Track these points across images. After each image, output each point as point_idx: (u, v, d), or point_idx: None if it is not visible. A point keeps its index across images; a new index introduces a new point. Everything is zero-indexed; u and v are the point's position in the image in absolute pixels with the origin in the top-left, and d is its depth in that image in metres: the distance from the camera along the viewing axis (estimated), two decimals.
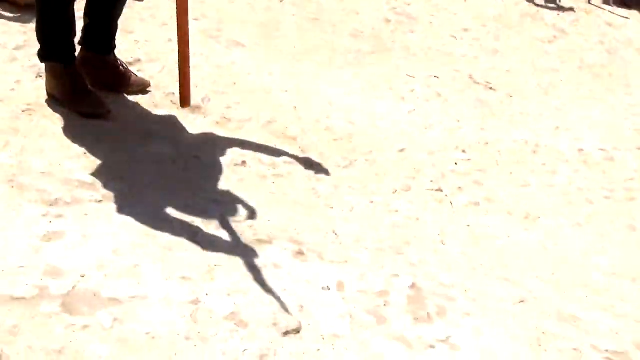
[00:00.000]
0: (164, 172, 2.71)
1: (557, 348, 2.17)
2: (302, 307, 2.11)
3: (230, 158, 2.89)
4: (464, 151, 3.47)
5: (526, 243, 2.87)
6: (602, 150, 3.80)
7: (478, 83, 4.30)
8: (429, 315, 2.20)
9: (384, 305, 2.21)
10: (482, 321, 2.23)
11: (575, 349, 2.18)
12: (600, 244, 2.98)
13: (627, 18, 6.20)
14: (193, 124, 3.08)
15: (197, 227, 2.39)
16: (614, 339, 2.29)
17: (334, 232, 2.60)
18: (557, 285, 2.61)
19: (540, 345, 2.16)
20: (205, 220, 2.44)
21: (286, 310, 2.08)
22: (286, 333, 1.99)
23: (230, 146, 2.98)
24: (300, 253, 2.38)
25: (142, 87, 3.16)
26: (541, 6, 5.82)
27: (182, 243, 2.29)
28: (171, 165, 2.77)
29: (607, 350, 2.20)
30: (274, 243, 2.40)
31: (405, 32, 4.74)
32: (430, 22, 5.01)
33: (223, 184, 2.73)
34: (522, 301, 2.42)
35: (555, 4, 5.93)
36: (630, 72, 5.08)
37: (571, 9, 5.97)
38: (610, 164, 3.71)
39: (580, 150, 3.74)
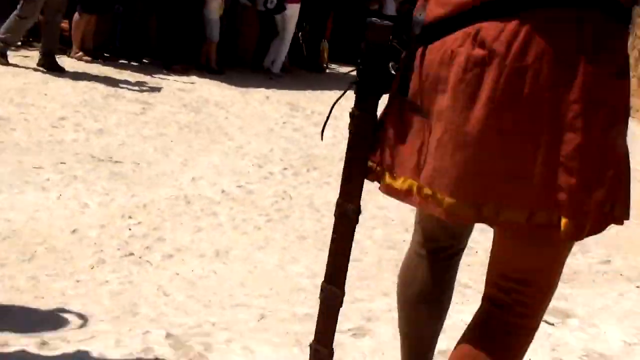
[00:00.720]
0: None
1: None
2: None
3: None
4: (130, 217, 3.54)
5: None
6: (238, 186, 4.23)
7: (102, 160, 4.37)
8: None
9: None
10: None
11: None
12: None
13: (193, 83, 6.91)
14: None
15: None
16: None
17: None
18: None
19: None
20: None
21: None
22: None
23: None
24: None
25: None
26: (121, 86, 6.16)
27: None
28: None
29: None
30: None
31: (8, 132, 4.57)
32: (26, 119, 4.91)
33: None
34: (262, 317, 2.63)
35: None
36: (219, 122, 5.70)
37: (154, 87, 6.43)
38: (249, 195, 4.14)
39: (223, 191, 4.11)
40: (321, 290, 1.51)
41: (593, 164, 1.23)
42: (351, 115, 1.39)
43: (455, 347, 1.40)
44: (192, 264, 3.13)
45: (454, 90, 1.25)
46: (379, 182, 1.40)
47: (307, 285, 2.98)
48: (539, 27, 1.21)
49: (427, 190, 1.29)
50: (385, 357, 2.22)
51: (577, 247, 3.56)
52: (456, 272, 1.68)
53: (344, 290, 1.49)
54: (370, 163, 1.40)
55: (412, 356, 1.70)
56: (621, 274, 3.32)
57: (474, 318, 1.41)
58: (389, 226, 3.62)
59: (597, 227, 1.28)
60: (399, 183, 1.35)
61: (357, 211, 1.43)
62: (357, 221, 1.45)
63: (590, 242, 3.70)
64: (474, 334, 1.38)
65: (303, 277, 3.10)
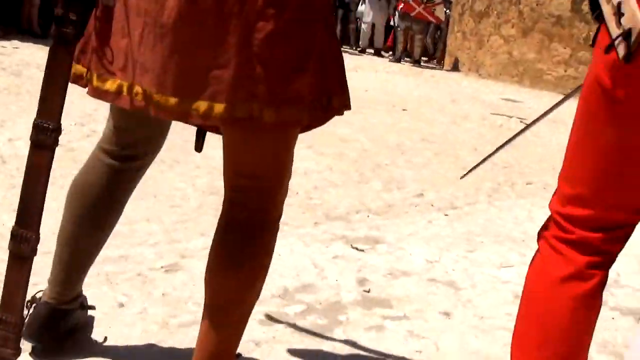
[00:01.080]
0: None
1: None
2: None
3: None
4: None
5: None
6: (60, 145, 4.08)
7: None
8: None
9: None
10: None
11: None
12: None
13: (16, 48, 6.56)
14: None
15: None
16: None
17: None
18: None
19: None
20: None
21: None
22: None
23: None
24: None
25: None
26: None
27: None
28: None
29: None
30: None
31: None
32: None
33: None
34: None
35: None
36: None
37: None
38: (69, 153, 4.02)
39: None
40: (12, 235, 1.31)
41: (287, 53, 1.24)
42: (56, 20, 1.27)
43: (209, 255, 1.43)
44: (2, 218, 3.02)
45: None
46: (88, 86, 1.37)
47: None
48: None
49: (138, 89, 1.28)
50: (197, 287, 2.27)
51: (393, 183, 3.81)
52: (136, 185, 1.69)
53: (38, 234, 1.31)
54: (80, 68, 1.37)
55: (72, 266, 1.69)
56: (432, 205, 3.55)
57: (219, 220, 1.43)
58: (212, 175, 3.65)
59: (318, 119, 1.33)
60: (109, 84, 1.33)
61: (57, 130, 1.31)
62: (56, 143, 1.33)
63: (406, 178, 3.98)
64: (221, 236, 1.40)
65: None
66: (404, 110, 6.23)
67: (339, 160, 4.13)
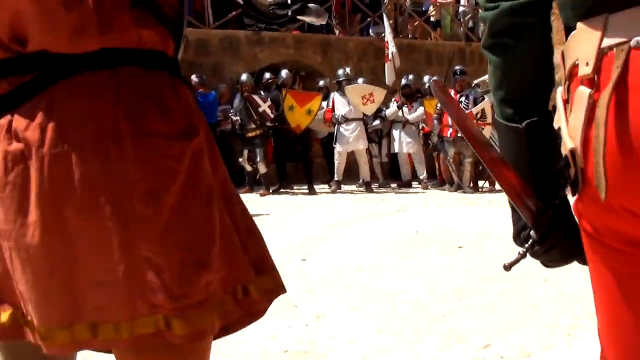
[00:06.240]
0: None
1: None
2: None
3: None
4: None
5: None
6: None
7: None
8: None
9: None
10: None
11: None
12: None
13: None
14: None
15: None
16: None
17: None
18: None
19: None
20: None
21: None
22: None
23: None
24: None
25: None
26: None
27: None
28: None
29: None
30: None
31: None
32: None
33: None
34: None
35: None
36: None
37: None
38: None
39: None
40: None
41: (181, 248, 1.13)
42: None
43: None
44: None
45: (1, 198, 1.13)
46: None
47: None
48: (70, 101, 1.12)
49: (29, 317, 1.17)
50: None
51: (453, 336, 3.58)
52: None
53: None
54: None
55: None
56: (501, 357, 3.30)
57: None
58: None
59: (231, 316, 1.19)
60: (3, 318, 1.21)
61: None
62: None
63: (468, 328, 3.74)
64: None
65: None
66: (459, 247, 6.04)
67: (388, 320, 3.93)
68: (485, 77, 11.31)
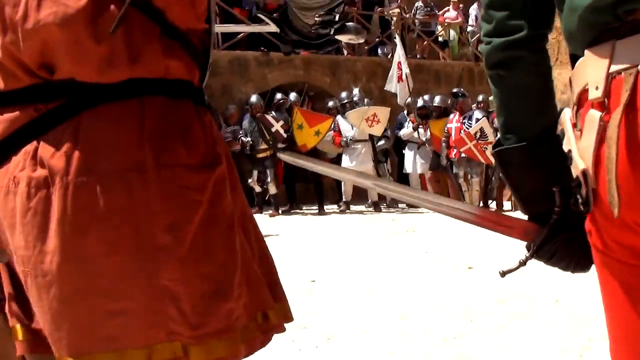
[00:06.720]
0: None
1: None
2: None
3: None
4: None
5: None
6: None
7: None
8: None
9: None
10: None
11: None
12: None
13: None
14: None
15: None
16: None
17: None
18: None
19: None
20: None
21: None
22: None
23: None
24: None
25: None
26: None
27: None
28: None
29: None
30: None
31: None
32: None
33: None
34: None
35: None
36: None
37: None
38: None
39: None
40: None
41: (201, 278, 1.15)
42: None
43: None
44: None
45: (22, 224, 1.14)
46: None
47: None
48: (96, 131, 1.14)
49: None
50: None
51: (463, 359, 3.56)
52: None
53: None
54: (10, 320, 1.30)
55: None
56: None
57: None
58: None
59: (256, 342, 1.21)
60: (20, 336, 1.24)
61: None
62: None
63: (478, 350, 3.73)
64: None
65: None
66: (469, 268, 6.04)
67: (399, 341, 3.94)
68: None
